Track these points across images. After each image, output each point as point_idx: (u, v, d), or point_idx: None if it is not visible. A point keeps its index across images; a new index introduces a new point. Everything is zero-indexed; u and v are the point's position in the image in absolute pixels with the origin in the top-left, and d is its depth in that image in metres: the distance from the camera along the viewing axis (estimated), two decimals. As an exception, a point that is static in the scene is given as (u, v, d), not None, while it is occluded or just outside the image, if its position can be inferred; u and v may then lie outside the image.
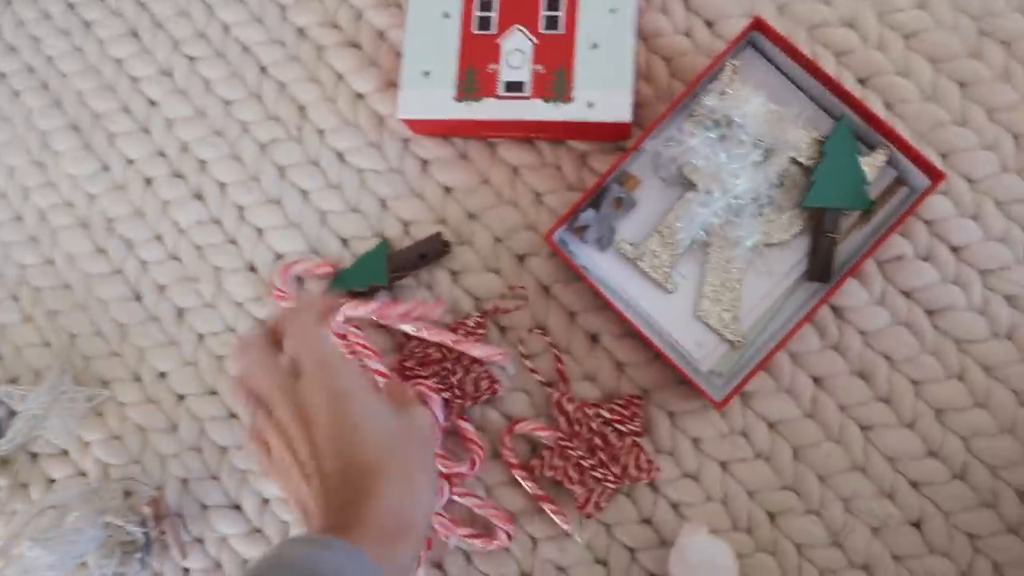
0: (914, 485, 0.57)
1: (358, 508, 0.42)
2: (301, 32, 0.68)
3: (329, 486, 0.43)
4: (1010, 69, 0.59)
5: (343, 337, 0.62)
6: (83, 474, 0.68)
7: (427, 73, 0.59)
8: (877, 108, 0.60)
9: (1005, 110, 0.59)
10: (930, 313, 0.58)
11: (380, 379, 0.59)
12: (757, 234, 0.55)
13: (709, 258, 0.57)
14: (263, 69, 0.69)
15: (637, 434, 0.57)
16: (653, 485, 0.59)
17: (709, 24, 0.63)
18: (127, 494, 0.66)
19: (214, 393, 0.66)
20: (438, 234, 0.62)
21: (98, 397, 0.67)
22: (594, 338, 0.61)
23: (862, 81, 0.61)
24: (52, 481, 0.68)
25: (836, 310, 0.59)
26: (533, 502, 0.59)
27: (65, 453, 0.68)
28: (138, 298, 0.69)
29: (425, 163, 0.65)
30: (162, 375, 0.67)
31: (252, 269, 0.67)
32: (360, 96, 0.66)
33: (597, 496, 0.56)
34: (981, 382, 0.57)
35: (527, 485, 0.59)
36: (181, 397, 0.67)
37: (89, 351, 0.69)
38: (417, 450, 0.47)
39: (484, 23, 0.60)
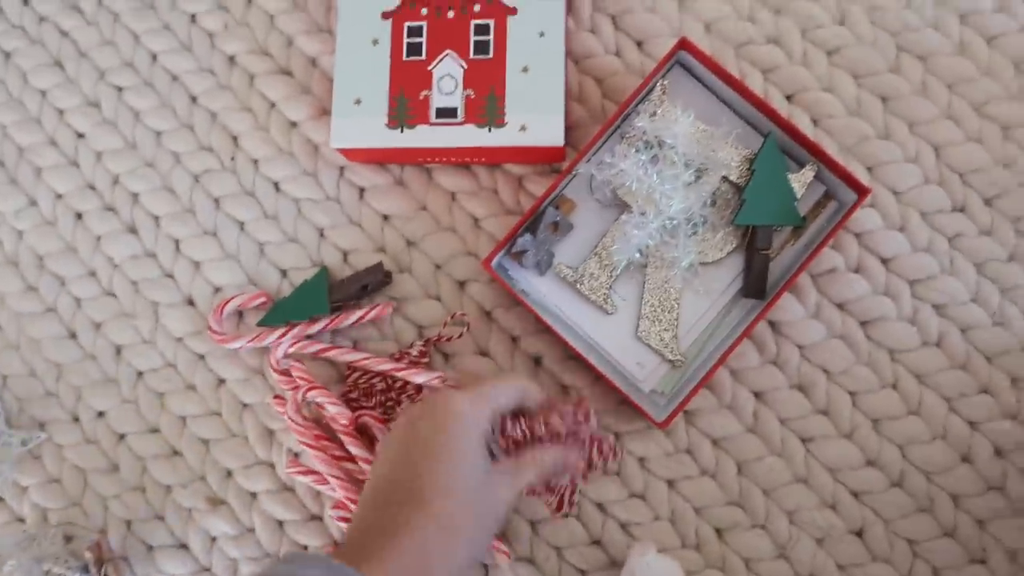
0: (855, 495, 0.58)
1: (387, 540, 0.40)
2: (231, 60, 0.67)
3: (376, 497, 0.43)
4: (928, 84, 0.61)
5: (285, 373, 0.61)
6: (20, 520, 0.66)
7: (359, 101, 0.59)
8: (804, 123, 0.61)
9: (925, 123, 0.61)
10: (863, 324, 0.60)
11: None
12: (692, 254, 0.56)
13: (647, 279, 0.57)
14: (193, 99, 0.67)
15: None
16: (601, 506, 0.59)
17: (639, 44, 0.63)
18: (68, 539, 0.64)
19: (156, 431, 0.65)
20: (380, 264, 0.61)
21: (34, 440, 0.65)
22: (537, 361, 0.61)
23: (789, 97, 0.62)
24: (-12, 529, 0.66)
25: (773, 325, 0.60)
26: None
27: (0, 499, 0.66)
28: (73, 336, 0.67)
29: (362, 191, 0.64)
30: (100, 414, 0.65)
31: (190, 303, 0.65)
32: (294, 124, 0.65)
33: (568, 494, 0.54)
34: (914, 390, 0.59)
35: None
36: (121, 436, 0.65)
37: (23, 392, 0.66)
38: (484, 510, 0.44)
39: (414, 49, 0.59)
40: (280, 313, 0.62)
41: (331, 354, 0.61)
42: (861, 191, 0.55)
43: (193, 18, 0.68)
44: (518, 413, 0.48)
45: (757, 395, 0.59)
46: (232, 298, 0.63)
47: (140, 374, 0.65)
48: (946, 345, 0.59)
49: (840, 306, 0.60)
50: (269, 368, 0.62)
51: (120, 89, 0.68)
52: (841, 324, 0.60)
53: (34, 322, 0.67)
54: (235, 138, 0.66)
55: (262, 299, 0.63)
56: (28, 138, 0.69)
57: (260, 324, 0.62)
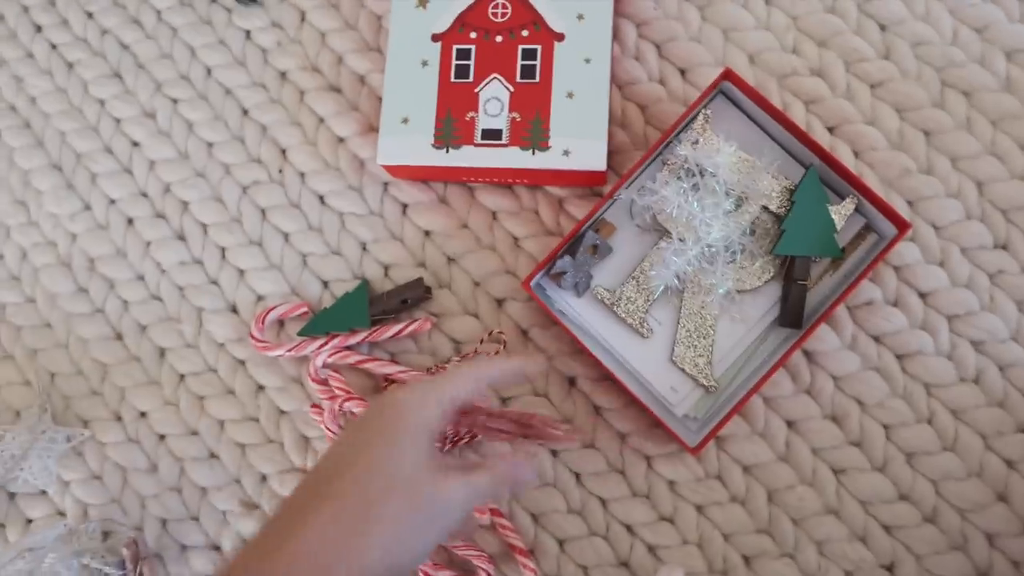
0: (886, 528, 0.58)
1: (283, 538, 0.35)
2: (283, 76, 0.69)
3: (294, 492, 0.39)
4: (971, 119, 0.61)
5: (323, 382, 0.62)
6: (61, 514, 0.67)
7: (406, 120, 0.60)
8: (846, 156, 0.62)
9: (968, 159, 0.61)
10: (899, 358, 0.59)
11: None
12: (729, 281, 0.57)
13: (683, 304, 0.58)
14: (245, 112, 0.69)
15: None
16: (630, 528, 0.60)
17: (682, 72, 0.64)
18: (106, 535, 0.66)
19: (195, 433, 0.66)
20: (420, 279, 0.63)
21: (78, 437, 0.67)
22: (571, 382, 0.62)
23: (831, 129, 0.62)
24: (30, 521, 0.68)
25: (808, 355, 0.60)
26: (508, 550, 0.60)
27: (44, 493, 0.68)
28: (119, 337, 0.69)
29: (405, 207, 0.66)
30: (143, 415, 0.67)
31: (234, 310, 0.67)
32: (341, 140, 0.67)
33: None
34: (949, 426, 0.58)
35: (507, 535, 0.59)
36: (162, 437, 0.67)
37: (69, 391, 0.69)
38: (417, 507, 0.37)
39: (462, 71, 0.61)
40: (321, 324, 0.63)
41: (369, 366, 0.62)
42: (901, 225, 0.55)
43: (248, 34, 0.70)
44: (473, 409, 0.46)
45: (790, 424, 0.60)
46: (274, 307, 0.64)
47: (182, 377, 0.67)
48: (984, 382, 0.59)
49: (876, 339, 0.60)
50: (308, 377, 0.63)
51: (175, 101, 0.71)
52: (877, 357, 0.59)
53: (83, 322, 0.69)
54: (284, 151, 0.68)
55: (303, 309, 0.64)
56: (86, 145, 0.72)
57: (300, 334, 0.63)
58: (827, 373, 0.60)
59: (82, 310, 0.70)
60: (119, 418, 0.68)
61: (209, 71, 0.71)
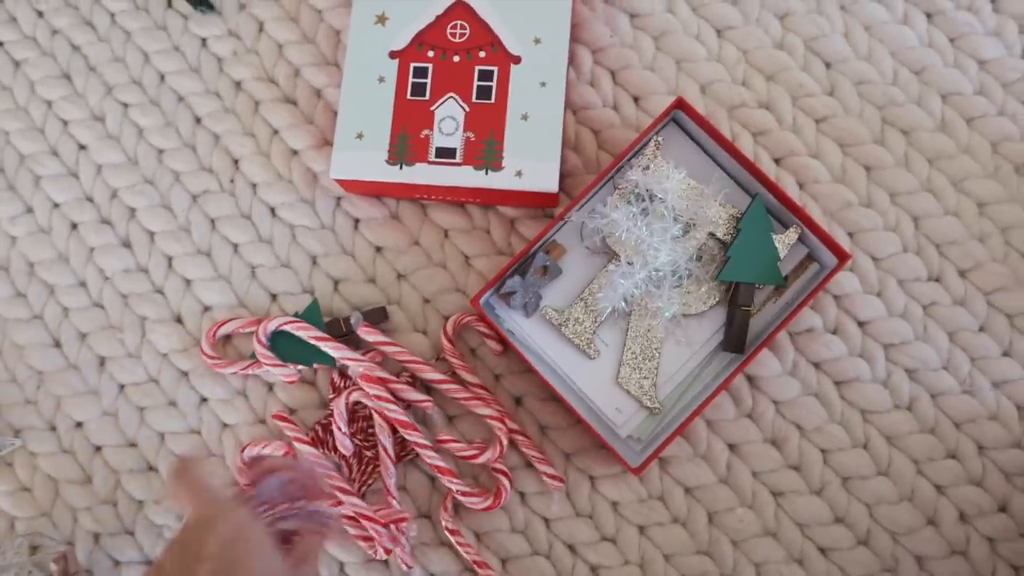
0: (822, 551, 0.59)
1: None
2: (238, 85, 0.69)
3: None
4: (909, 156, 0.64)
5: (283, 418, 0.61)
6: (-13, 528, 0.65)
7: (360, 135, 0.60)
8: (791, 187, 0.63)
9: (905, 194, 0.63)
10: (838, 384, 0.61)
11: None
12: (676, 305, 0.58)
13: (630, 327, 0.59)
14: (198, 120, 0.69)
15: None
16: (572, 547, 0.60)
17: (636, 99, 0.66)
18: (33, 549, 0.63)
19: (133, 445, 0.65)
20: (383, 308, 0.63)
21: (7, 447, 0.65)
22: (518, 400, 0.62)
23: (777, 161, 0.64)
24: (-47, 535, 0.65)
25: (751, 379, 0.61)
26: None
27: (-32, 506, 0.65)
28: (57, 345, 0.67)
29: (357, 222, 0.66)
30: (79, 425, 0.65)
31: (178, 320, 0.66)
32: (295, 152, 0.67)
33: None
34: (884, 452, 0.60)
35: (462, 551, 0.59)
36: (98, 448, 0.65)
37: (1, 398, 0.66)
38: None
39: (418, 89, 0.61)
40: (283, 352, 0.62)
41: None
42: (842, 256, 0.57)
43: (204, 42, 0.70)
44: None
45: (732, 447, 0.61)
46: (226, 321, 0.63)
47: (122, 387, 0.66)
48: (917, 409, 0.61)
49: (816, 365, 0.61)
50: (254, 393, 0.62)
51: (126, 105, 0.70)
52: (816, 383, 0.61)
53: (19, 328, 0.67)
54: (236, 161, 0.67)
55: (253, 327, 0.63)
56: (30, 146, 0.70)
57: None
58: (768, 398, 0.61)
59: (19, 315, 0.68)
60: (53, 428, 0.66)
61: (162, 77, 0.70)
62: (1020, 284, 0.62)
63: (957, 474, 0.60)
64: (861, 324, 0.62)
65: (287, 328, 0.61)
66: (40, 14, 0.72)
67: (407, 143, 0.60)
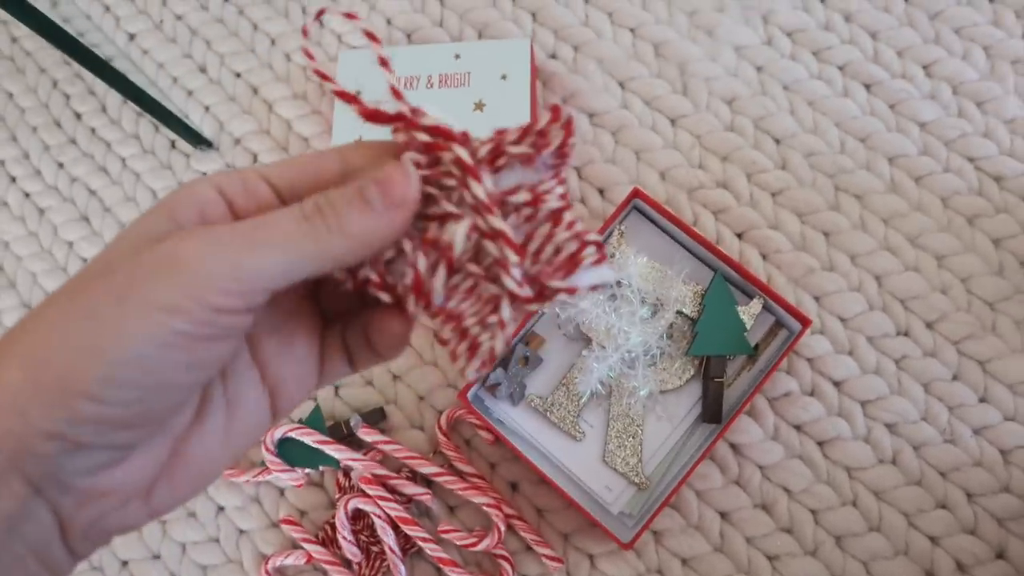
0: (821, 611, 0.60)
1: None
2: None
3: None
4: (865, 219, 0.67)
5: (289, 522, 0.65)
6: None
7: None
8: (754, 259, 0.67)
9: (865, 255, 0.66)
10: (820, 444, 0.63)
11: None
12: (651, 383, 0.61)
13: (611, 407, 0.62)
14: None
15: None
16: (578, 627, 0.62)
17: (601, 191, 0.70)
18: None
19: (157, 557, 0.68)
20: (381, 409, 0.67)
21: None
22: (514, 486, 0.65)
23: (740, 235, 0.68)
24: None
25: (735, 447, 0.64)
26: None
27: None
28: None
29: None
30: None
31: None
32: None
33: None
34: (873, 507, 0.62)
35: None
36: (124, 563, 0.69)
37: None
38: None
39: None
40: (290, 457, 0.66)
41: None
42: (804, 321, 0.60)
43: (203, 175, 0.76)
44: None
45: (723, 515, 0.63)
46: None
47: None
48: (900, 462, 0.62)
49: (797, 427, 0.64)
50: (267, 499, 0.66)
51: (138, 240, 0.76)
52: (799, 445, 0.63)
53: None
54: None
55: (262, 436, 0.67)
56: (54, 284, 0.76)
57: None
58: (754, 464, 0.63)
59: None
60: (83, 548, 0.69)
61: (169, 212, 0.76)
62: (987, 331, 0.64)
63: (949, 524, 0.61)
64: (836, 384, 0.64)
65: (292, 435, 0.65)
66: (61, 165, 0.80)
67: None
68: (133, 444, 0.25)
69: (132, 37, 0.82)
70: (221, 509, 0.68)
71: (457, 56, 0.68)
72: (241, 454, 0.27)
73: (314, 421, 0.66)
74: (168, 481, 0.26)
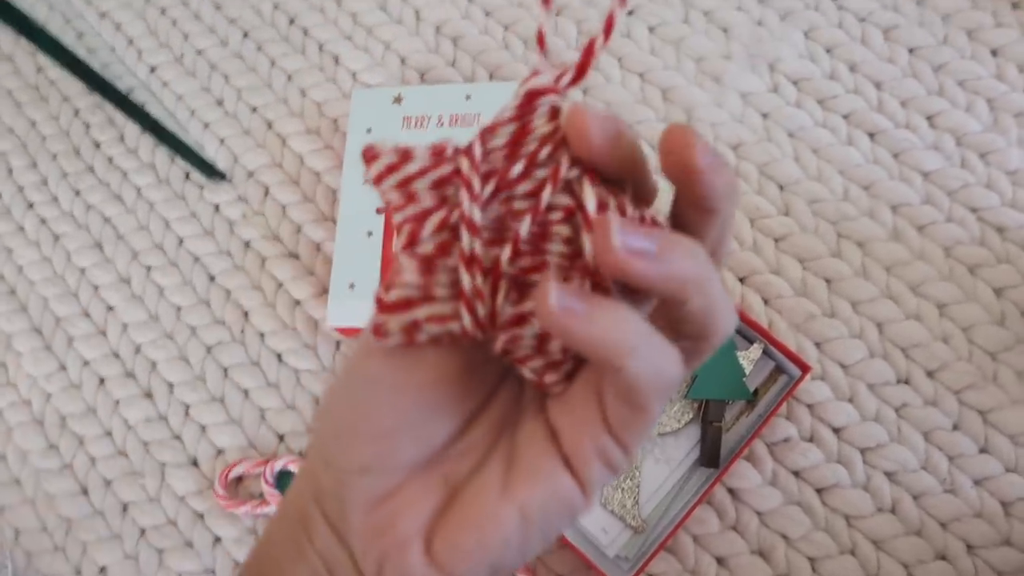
0: (818, 662, 0.60)
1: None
2: (247, 244, 0.76)
3: None
4: (867, 266, 0.68)
5: None
6: (17, 676, 0.68)
7: (353, 285, 0.67)
8: (756, 303, 0.68)
9: (866, 302, 0.67)
10: (819, 491, 0.63)
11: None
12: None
13: (609, 448, 0.62)
14: (212, 278, 0.76)
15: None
16: (571, 671, 0.61)
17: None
18: None
19: (153, 587, 0.68)
20: None
21: (38, 595, 0.69)
22: (511, 524, 0.65)
23: (742, 280, 0.69)
24: None
25: (733, 492, 0.63)
26: None
27: (1, 655, 0.69)
28: (85, 492, 0.72)
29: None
30: (102, 570, 0.69)
31: (194, 463, 0.71)
32: (298, 302, 0.73)
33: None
34: (872, 557, 0.61)
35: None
36: (120, 592, 0.69)
37: (33, 547, 0.71)
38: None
39: (404, 241, 0.67)
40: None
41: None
42: (803, 367, 0.60)
43: (217, 208, 0.78)
44: None
45: (719, 560, 0.62)
46: (237, 464, 0.68)
47: (143, 531, 0.70)
48: (900, 511, 0.62)
49: (796, 474, 0.64)
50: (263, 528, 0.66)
51: (149, 268, 0.77)
52: (798, 491, 0.63)
53: (51, 479, 0.73)
54: (246, 313, 0.74)
55: (261, 468, 0.68)
56: (65, 310, 0.78)
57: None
58: (751, 509, 0.63)
59: (51, 466, 0.73)
60: (79, 573, 0.70)
61: (181, 241, 0.78)
62: (988, 381, 0.64)
63: (949, 576, 0.60)
64: (836, 430, 0.64)
65: (292, 467, 0.66)
66: (77, 192, 0.82)
67: (394, 290, 0.66)
68: (402, 468, 0.25)
69: (153, 69, 0.84)
70: (218, 540, 0.68)
71: (468, 97, 0.70)
72: (537, 521, 0.24)
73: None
74: (445, 529, 0.24)
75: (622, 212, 0.23)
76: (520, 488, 0.24)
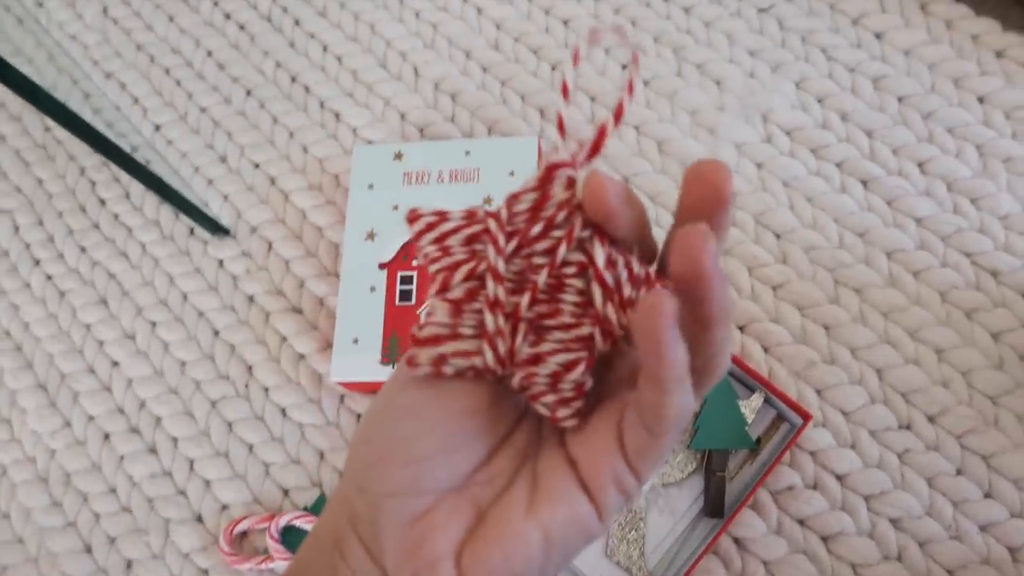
0: None
1: None
2: (251, 299, 0.77)
3: None
4: (864, 312, 0.68)
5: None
6: None
7: (356, 340, 0.67)
8: (756, 351, 0.68)
9: (865, 348, 0.67)
10: (824, 539, 0.63)
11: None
12: (653, 477, 0.61)
13: (613, 500, 0.62)
14: (216, 333, 0.76)
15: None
16: None
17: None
18: None
19: (156, 647, 0.68)
20: None
21: (41, 657, 0.68)
22: (517, 578, 0.65)
23: (741, 328, 0.69)
24: None
25: (738, 541, 0.63)
26: None
27: None
28: (88, 550, 0.72)
29: (359, 417, 0.71)
30: (106, 630, 0.69)
31: (199, 519, 0.71)
32: (302, 356, 0.74)
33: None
34: (879, 605, 0.61)
35: None
36: (124, 652, 0.68)
37: (37, 607, 0.70)
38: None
39: (405, 295, 0.68)
40: (294, 545, 0.66)
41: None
42: (804, 416, 0.61)
43: (221, 263, 0.79)
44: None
45: (727, 612, 0.62)
46: (242, 519, 0.68)
47: (148, 589, 0.70)
48: (906, 559, 0.62)
49: (801, 522, 0.64)
50: (267, 585, 0.66)
51: (154, 324, 0.78)
52: (803, 540, 0.63)
53: (55, 537, 0.72)
54: (250, 368, 0.74)
55: (266, 523, 0.68)
56: (70, 366, 0.78)
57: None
58: (758, 559, 0.63)
59: (55, 524, 0.73)
60: (83, 634, 0.69)
61: (185, 296, 0.79)
62: (989, 425, 0.64)
63: (958, 624, 0.60)
64: (839, 478, 0.64)
65: (297, 522, 0.66)
66: (83, 249, 0.83)
67: (397, 345, 0.67)
68: (434, 491, 0.27)
69: (158, 128, 0.86)
70: (223, 596, 0.68)
71: (467, 152, 0.71)
72: (557, 542, 0.26)
73: (318, 508, 0.67)
74: (473, 547, 0.26)
75: (628, 269, 0.26)
76: (543, 510, 0.26)
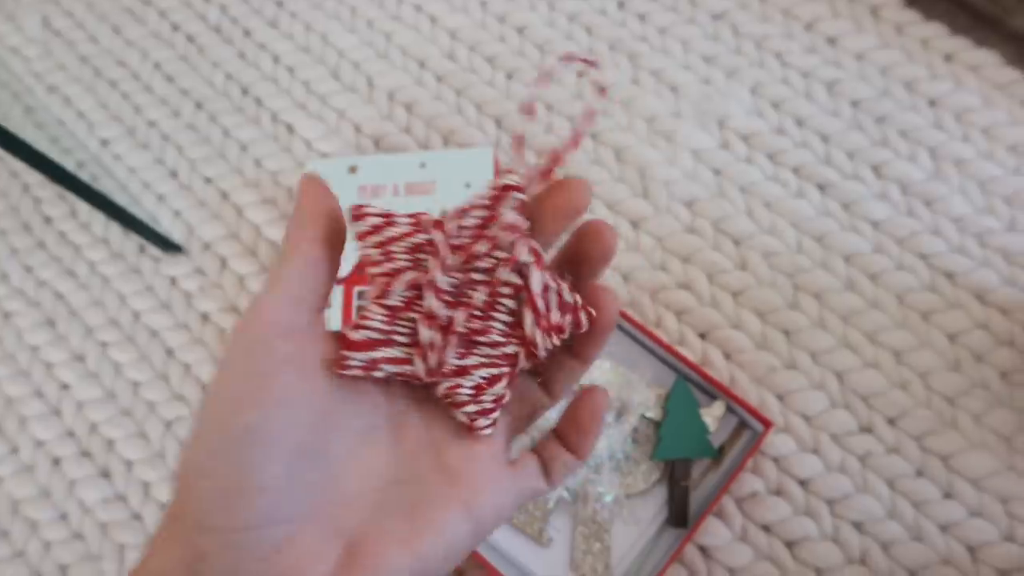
0: None
1: None
2: (205, 317, 0.75)
3: None
4: (824, 317, 0.69)
5: None
6: None
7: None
8: (717, 358, 0.68)
9: (825, 353, 0.68)
10: (788, 545, 0.63)
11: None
12: (616, 488, 0.61)
13: (576, 513, 0.61)
14: (170, 352, 0.74)
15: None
16: None
17: (566, 293, 0.72)
18: None
19: None
20: None
21: None
22: (482, 596, 0.64)
23: (702, 336, 0.69)
24: None
25: (704, 549, 0.63)
26: None
27: None
28: (40, 581, 0.69)
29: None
30: (59, 664, 0.67)
31: (154, 545, 0.69)
32: (258, 374, 0.72)
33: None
34: (844, 610, 0.61)
35: None
36: None
37: (-15, 643, 0.68)
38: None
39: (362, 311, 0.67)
40: None
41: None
42: (765, 423, 0.61)
43: (173, 280, 0.77)
44: None
45: (694, 622, 0.62)
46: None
47: (102, 620, 0.67)
48: (870, 562, 0.62)
49: (765, 528, 0.64)
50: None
51: (105, 344, 0.76)
52: (768, 546, 0.63)
53: (2, 567, 0.70)
54: (205, 388, 0.72)
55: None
56: (17, 390, 0.76)
57: None
58: (723, 566, 0.63)
59: (2, 554, 0.70)
60: (35, 670, 0.67)
61: (137, 315, 0.76)
62: (948, 426, 0.65)
63: (921, 626, 0.60)
64: (802, 483, 0.64)
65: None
66: (28, 269, 0.80)
67: (355, 361, 0.65)
68: (292, 519, 0.26)
69: (105, 143, 0.83)
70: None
71: (423, 165, 0.70)
72: (435, 571, 0.27)
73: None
74: None
75: (559, 295, 0.27)
76: (424, 542, 0.26)
